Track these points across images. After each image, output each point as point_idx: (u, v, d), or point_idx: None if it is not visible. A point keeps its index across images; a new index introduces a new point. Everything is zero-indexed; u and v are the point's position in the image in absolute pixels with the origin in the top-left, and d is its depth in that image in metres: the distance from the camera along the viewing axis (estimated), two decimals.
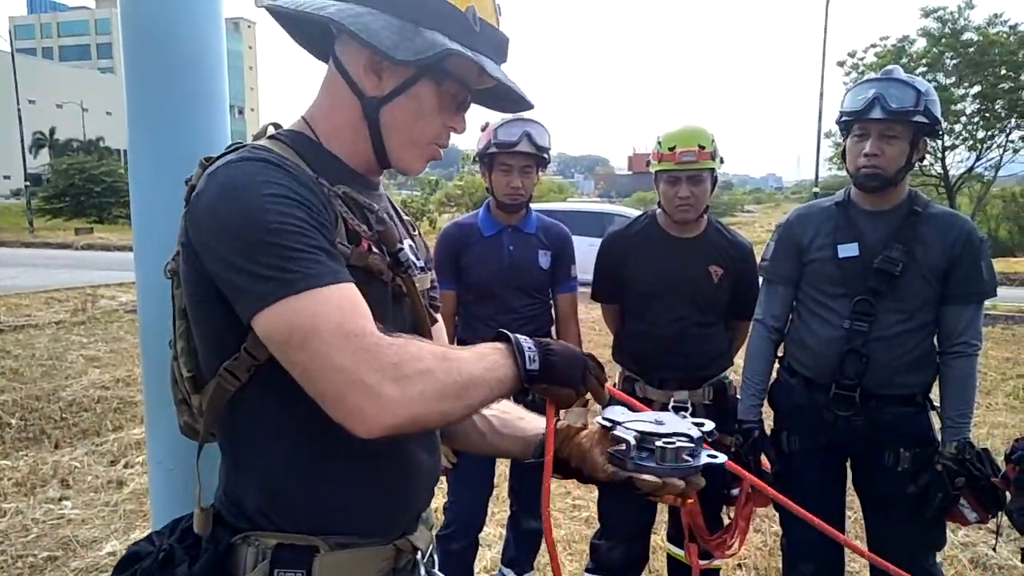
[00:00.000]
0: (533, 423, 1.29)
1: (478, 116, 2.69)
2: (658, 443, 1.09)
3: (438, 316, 1.28)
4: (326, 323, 0.88)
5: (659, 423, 1.13)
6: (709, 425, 1.15)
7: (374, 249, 1.05)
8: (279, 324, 0.89)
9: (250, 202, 0.93)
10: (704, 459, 1.11)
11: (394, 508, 1.13)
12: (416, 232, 1.31)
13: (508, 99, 1.18)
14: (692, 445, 1.10)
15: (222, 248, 0.92)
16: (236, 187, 0.94)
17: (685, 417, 1.17)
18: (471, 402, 0.98)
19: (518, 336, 1.06)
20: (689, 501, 1.14)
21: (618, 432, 1.13)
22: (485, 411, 1.29)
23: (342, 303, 0.90)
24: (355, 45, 1.05)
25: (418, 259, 1.23)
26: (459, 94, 1.11)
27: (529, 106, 1.19)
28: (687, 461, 1.09)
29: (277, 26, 1.17)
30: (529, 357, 1.03)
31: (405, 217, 1.32)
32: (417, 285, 1.14)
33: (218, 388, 1.02)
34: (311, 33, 1.16)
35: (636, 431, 1.12)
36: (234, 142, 1.10)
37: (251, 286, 0.90)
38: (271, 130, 1.13)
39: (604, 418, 1.19)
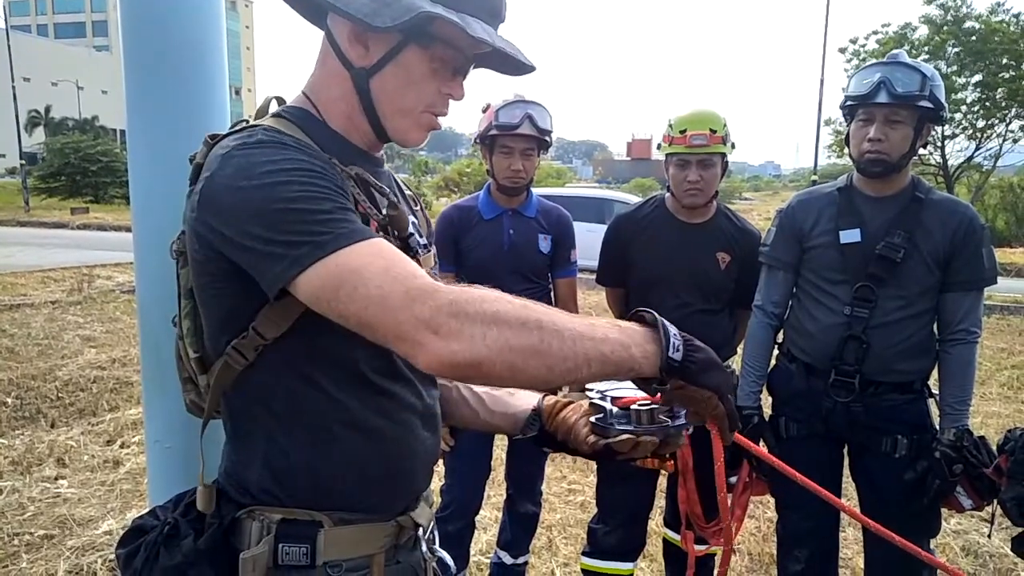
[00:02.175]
0: (522, 400, 1.30)
1: (478, 98, 2.67)
2: (633, 407, 1.10)
3: None
4: (372, 270, 0.86)
5: (634, 389, 1.12)
6: None
7: (388, 231, 1.04)
8: (325, 280, 0.88)
9: (270, 177, 0.91)
10: (683, 419, 1.10)
11: (396, 486, 1.13)
12: (419, 207, 1.30)
13: (510, 62, 1.13)
14: (668, 407, 1.10)
15: (246, 225, 0.91)
16: (255, 165, 0.93)
17: None
18: (556, 365, 0.87)
19: (658, 317, 0.95)
20: (669, 463, 1.14)
21: (597, 401, 1.14)
22: (477, 388, 1.31)
23: (383, 252, 0.89)
24: (339, 16, 1.03)
25: (421, 237, 1.23)
26: (454, 59, 1.08)
27: (530, 68, 1.14)
28: (663, 422, 1.09)
29: (274, 5, 1.15)
30: (674, 345, 0.93)
31: (408, 192, 1.31)
32: (423, 266, 1.13)
33: (225, 367, 1.02)
34: (308, 7, 1.14)
35: (612, 398, 1.13)
36: (240, 120, 1.08)
37: (285, 252, 0.89)
38: (275, 105, 1.12)
39: (588, 391, 1.19)
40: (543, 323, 0.87)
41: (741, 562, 3.22)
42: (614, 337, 0.91)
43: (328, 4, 0.99)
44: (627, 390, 1.14)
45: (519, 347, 0.86)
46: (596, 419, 1.14)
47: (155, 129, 1.48)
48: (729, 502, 2.45)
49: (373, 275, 0.86)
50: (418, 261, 1.07)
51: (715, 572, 2.76)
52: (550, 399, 1.28)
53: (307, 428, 0.96)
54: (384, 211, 1.06)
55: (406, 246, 1.07)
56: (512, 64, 1.14)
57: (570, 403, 1.25)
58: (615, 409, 1.11)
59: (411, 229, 1.08)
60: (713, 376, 0.96)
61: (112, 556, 3.05)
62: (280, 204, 0.90)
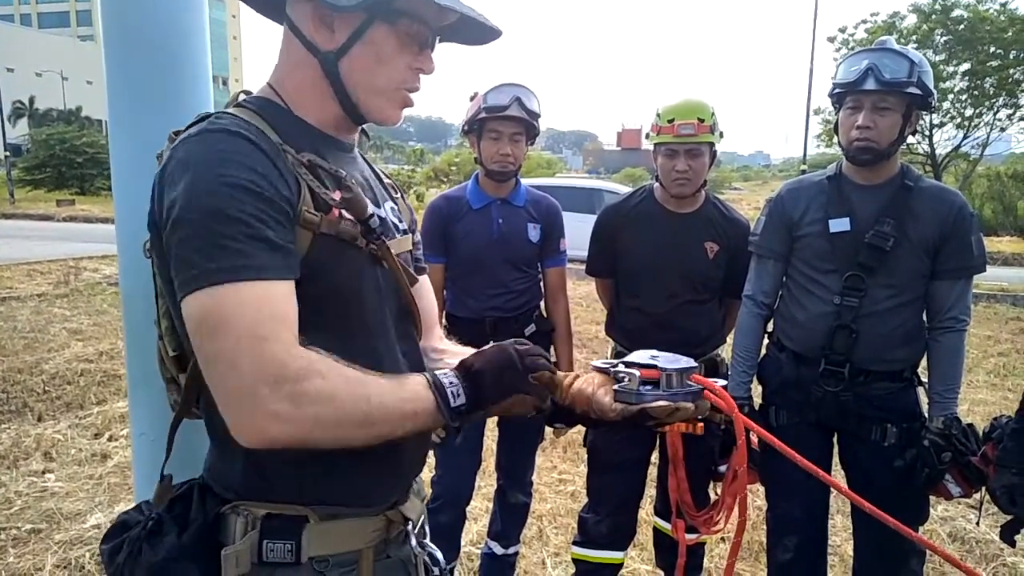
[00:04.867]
0: None
1: (467, 88, 2.66)
2: (663, 372, 1.12)
3: (421, 277, 1.28)
4: (238, 321, 0.88)
5: (655, 358, 1.15)
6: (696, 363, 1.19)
7: (346, 215, 1.03)
8: (193, 312, 0.90)
9: (197, 183, 0.92)
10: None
11: (383, 478, 1.12)
12: (399, 195, 1.30)
13: (474, 31, 1.14)
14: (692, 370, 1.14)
15: (169, 228, 0.93)
16: (189, 164, 0.93)
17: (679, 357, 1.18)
18: (379, 433, 0.96)
19: (437, 374, 1.03)
20: (699, 426, 1.16)
21: (620, 370, 1.15)
22: None
23: (261, 303, 0.89)
24: (300, 1, 1.03)
25: (400, 222, 1.22)
26: (420, 33, 1.07)
27: (497, 32, 1.15)
28: (690, 386, 1.13)
29: None
30: (452, 393, 1.01)
31: (386, 180, 1.30)
32: (394, 249, 1.13)
33: (196, 363, 1.00)
34: (263, 1, 1.13)
35: (638, 364, 1.14)
36: (202, 113, 1.07)
37: (181, 270, 0.91)
38: (242, 97, 1.11)
39: (601, 362, 1.21)
40: (371, 398, 0.94)
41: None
42: (423, 394, 1.00)
43: None
44: (637, 360, 1.16)
45: (348, 422, 0.93)
46: (620, 387, 1.14)
47: (136, 120, 1.46)
48: (719, 491, 2.45)
49: (237, 326, 0.88)
50: (384, 243, 1.08)
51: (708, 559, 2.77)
52: (558, 373, 1.27)
53: None
54: (338, 196, 1.04)
55: (367, 228, 1.06)
56: (477, 32, 1.14)
57: (578, 375, 1.24)
58: (638, 374, 1.13)
59: (371, 211, 1.07)
60: (511, 382, 1.03)
61: (101, 540, 3.03)
62: (196, 216, 0.91)
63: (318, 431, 0.91)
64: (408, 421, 0.98)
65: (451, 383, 1.01)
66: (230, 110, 1.04)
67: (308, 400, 0.89)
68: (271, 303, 0.90)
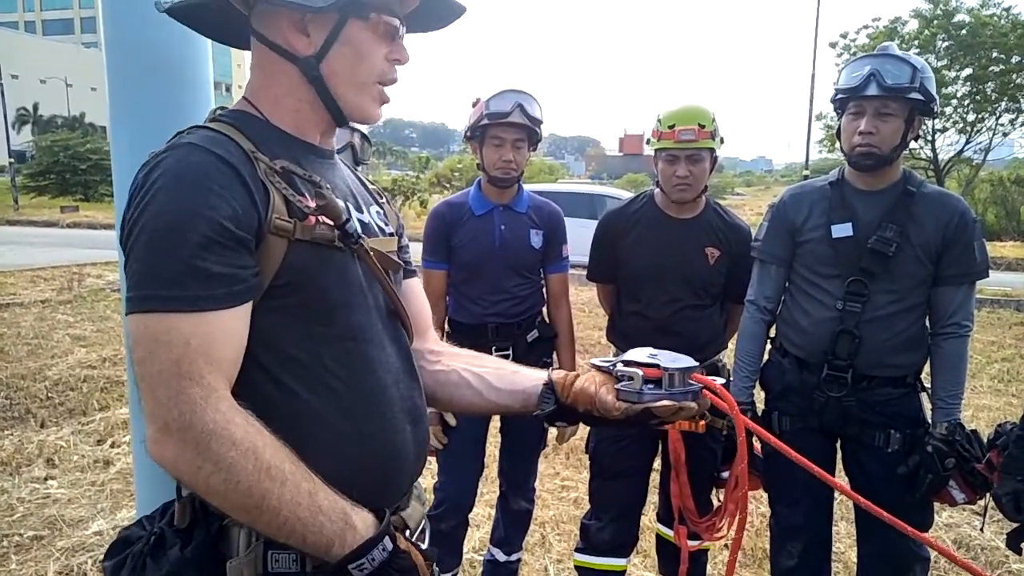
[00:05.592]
0: (530, 376, 1.30)
1: (469, 94, 2.67)
2: (667, 371, 1.13)
3: (411, 280, 1.31)
4: (164, 353, 0.89)
5: (653, 356, 1.15)
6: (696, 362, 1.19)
7: (323, 220, 1.04)
8: (130, 332, 0.92)
9: (149, 207, 0.93)
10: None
11: (381, 484, 1.11)
12: (384, 200, 1.32)
13: (439, 13, 1.17)
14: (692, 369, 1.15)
15: (127, 247, 0.95)
16: (148, 186, 0.95)
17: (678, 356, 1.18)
18: (258, 528, 0.94)
19: (389, 537, 0.99)
20: (701, 424, 1.16)
21: (622, 369, 1.15)
22: (476, 368, 1.31)
23: (190, 337, 0.90)
24: (272, 11, 1.05)
25: (386, 225, 1.24)
26: (389, 24, 1.10)
27: (461, 9, 1.18)
28: (691, 385, 1.13)
29: None
30: (361, 565, 0.96)
31: (371, 186, 1.32)
32: (378, 247, 1.14)
33: None
34: (223, 22, 1.14)
35: (639, 363, 1.14)
36: (178, 131, 1.07)
37: (127, 288, 0.93)
38: (218, 112, 1.12)
39: (601, 360, 1.22)
40: (268, 495, 0.91)
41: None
42: (333, 529, 0.95)
43: None
44: (638, 359, 1.16)
45: (233, 501, 0.91)
46: (623, 386, 1.15)
47: (137, 126, 1.47)
48: (722, 497, 2.45)
49: (163, 357, 0.90)
50: (362, 245, 1.09)
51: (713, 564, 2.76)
52: (559, 372, 1.28)
53: (280, 430, 0.95)
54: (312, 202, 1.05)
55: (345, 233, 1.06)
56: (443, 13, 1.17)
57: (579, 374, 1.25)
58: (641, 373, 1.13)
59: (348, 215, 1.08)
60: None
61: (102, 557, 3.03)
62: (143, 236, 0.92)
63: (202, 488, 0.91)
64: (298, 540, 0.95)
65: (372, 560, 0.97)
66: (203, 123, 1.05)
67: (207, 458, 0.89)
68: (201, 339, 0.91)
